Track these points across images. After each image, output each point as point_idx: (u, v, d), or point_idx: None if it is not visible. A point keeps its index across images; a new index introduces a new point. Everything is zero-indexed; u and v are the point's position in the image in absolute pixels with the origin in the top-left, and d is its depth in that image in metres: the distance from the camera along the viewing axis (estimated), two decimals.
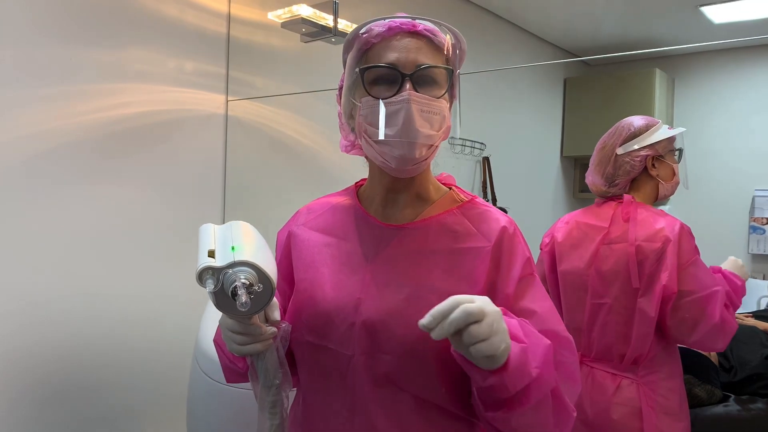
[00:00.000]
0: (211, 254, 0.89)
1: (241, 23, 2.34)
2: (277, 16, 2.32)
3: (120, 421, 2.02)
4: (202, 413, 1.80)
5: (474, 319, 0.77)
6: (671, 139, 1.74)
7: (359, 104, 0.97)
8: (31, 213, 1.81)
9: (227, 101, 2.32)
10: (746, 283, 1.76)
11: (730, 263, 1.78)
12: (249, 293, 0.85)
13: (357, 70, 0.97)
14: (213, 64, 2.27)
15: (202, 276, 0.86)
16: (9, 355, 1.77)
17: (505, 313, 0.88)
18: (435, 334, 0.78)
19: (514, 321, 0.87)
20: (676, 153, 1.77)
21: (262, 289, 0.87)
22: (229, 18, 2.31)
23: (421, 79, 0.94)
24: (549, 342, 0.87)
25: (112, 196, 1.99)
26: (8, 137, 1.76)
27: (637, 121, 1.75)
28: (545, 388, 0.85)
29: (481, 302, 0.80)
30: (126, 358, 2.03)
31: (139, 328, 2.06)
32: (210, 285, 0.86)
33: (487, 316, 0.79)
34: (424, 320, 0.78)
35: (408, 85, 0.93)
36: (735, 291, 1.68)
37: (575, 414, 0.91)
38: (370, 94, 0.95)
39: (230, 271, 0.86)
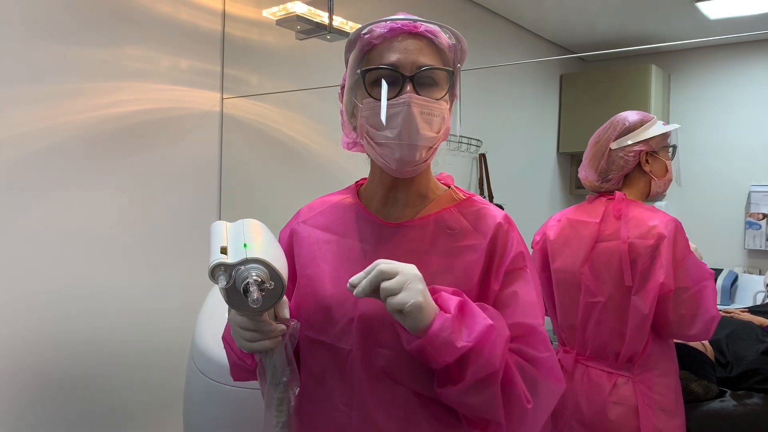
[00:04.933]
0: (224, 251, 0.90)
1: (236, 21, 2.33)
2: (272, 13, 2.31)
3: (116, 420, 2.02)
4: (198, 411, 1.80)
5: (385, 276, 0.84)
6: (665, 135, 1.74)
7: (361, 105, 0.98)
8: (26, 212, 1.80)
9: (222, 99, 2.31)
10: (742, 278, 1.78)
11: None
12: (261, 290, 0.86)
13: (358, 71, 0.98)
14: (208, 62, 2.26)
15: (214, 272, 0.88)
16: (5, 354, 1.76)
17: (462, 294, 0.90)
18: (357, 292, 0.86)
19: (455, 298, 0.88)
20: (670, 150, 1.77)
21: (273, 286, 0.88)
22: (224, 15, 2.31)
23: (421, 80, 0.96)
24: (491, 323, 0.87)
25: (107, 194, 1.98)
26: (1, 136, 1.75)
27: (631, 116, 1.75)
28: (485, 368, 0.86)
29: (401, 265, 0.86)
30: (122, 356, 2.03)
31: (135, 327, 2.06)
32: (222, 281, 0.87)
33: (400, 275, 0.85)
34: (352, 278, 0.87)
35: (409, 87, 0.94)
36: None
37: (531, 406, 0.90)
38: (371, 96, 0.97)
39: (242, 267, 0.87)
